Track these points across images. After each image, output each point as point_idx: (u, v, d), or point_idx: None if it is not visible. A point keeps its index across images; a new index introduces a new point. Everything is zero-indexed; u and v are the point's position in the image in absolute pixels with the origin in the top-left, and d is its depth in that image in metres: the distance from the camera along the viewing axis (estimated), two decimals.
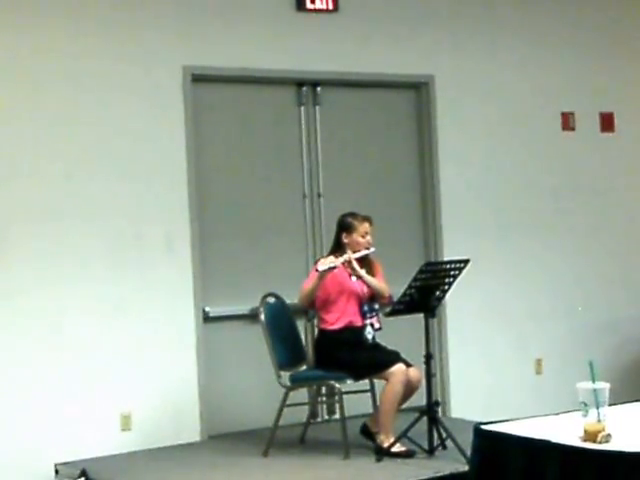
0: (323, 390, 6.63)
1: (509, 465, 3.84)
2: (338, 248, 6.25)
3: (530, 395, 7.63)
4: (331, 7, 7.18)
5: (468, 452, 4.43)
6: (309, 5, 7.11)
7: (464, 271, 6.08)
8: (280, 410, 6.19)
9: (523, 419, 4.14)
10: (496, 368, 7.65)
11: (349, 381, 6.12)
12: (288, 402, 6.22)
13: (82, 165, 6.45)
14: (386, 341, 6.23)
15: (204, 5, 6.85)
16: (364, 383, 6.33)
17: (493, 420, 4.14)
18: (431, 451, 5.96)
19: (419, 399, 6.15)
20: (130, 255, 6.56)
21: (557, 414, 4.20)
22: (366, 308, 6.20)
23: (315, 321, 6.42)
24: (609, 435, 3.66)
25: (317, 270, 6.09)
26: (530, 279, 7.86)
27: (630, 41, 8.32)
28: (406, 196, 7.60)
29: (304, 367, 6.38)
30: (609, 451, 3.57)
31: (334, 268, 6.07)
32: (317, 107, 7.30)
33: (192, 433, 6.68)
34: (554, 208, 8.00)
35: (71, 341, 6.35)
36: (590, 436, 3.67)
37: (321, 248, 7.07)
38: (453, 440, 5.82)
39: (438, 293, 6.06)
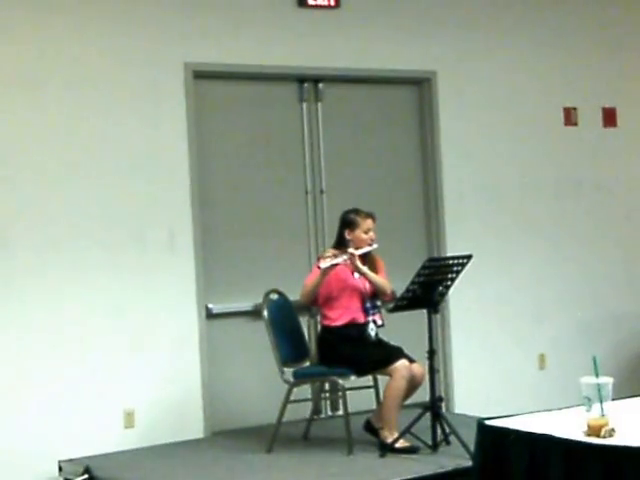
0: (326, 386, 6.64)
1: (513, 460, 3.84)
2: (341, 244, 6.24)
3: (533, 390, 7.63)
4: (332, 3, 7.18)
5: (472, 447, 4.43)
6: (311, 1, 7.11)
7: (467, 267, 6.08)
8: (283, 406, 6.19)
9: (526, 414, 4.15)
10: (499, 363, 7.65)
11: (352, 377, 6.11)
12: (291, 398, 6.22)
13: (83, 163, 6.44)
14: (389, 337, 6.23)
15: (206, 2, 6.85)
16: (367, 379, 6.33)
17: (496, 415, 4.14)
18: (435, 447, 5.96)
19: (422, 395, 6.15)
20: (133, 252, 6.55)
21: (560, 409, 4.21)
22: (368, 305, 6.19)
23: (318, 317, 6.42)
24: (612, 430, 3.66)
25: (319, 267, 6.09)
26: (533, 274, 7.86)
27: (632, 36, 8.31)
28: (409, 192, 7.60)
29: (307, 363, 6.38)
30: (612, 446, 3.58)
31: (336, 265, 6.07)
32: (319, 103, 7.29)
33: (195, 430, 6.68)
34: (557, 203, 8.00)
35: (74, 338, 6.35)
36: (593, 431, 3.67)
37: (324, 244, 7.06)
38: (457, 436, 5.82)
39: (441, 289, 6.06)
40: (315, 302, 6.25)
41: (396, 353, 6.06)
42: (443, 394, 7.09)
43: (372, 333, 6.16)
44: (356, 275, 6.19)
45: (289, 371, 6.25)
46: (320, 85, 7.29)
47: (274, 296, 6.46)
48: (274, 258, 7.06)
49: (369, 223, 6.21)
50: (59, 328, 6.31)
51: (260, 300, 6.40)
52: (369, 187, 7.35)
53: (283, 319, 6.40)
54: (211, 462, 6.11)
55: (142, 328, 6.55)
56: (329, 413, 7.08)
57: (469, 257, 6.06)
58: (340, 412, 6.44)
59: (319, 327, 6.40)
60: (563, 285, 7.97)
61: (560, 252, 7.98)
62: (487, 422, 4.04)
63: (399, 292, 6.08)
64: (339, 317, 6.17)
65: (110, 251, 6.49)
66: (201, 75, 6.81)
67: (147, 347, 6.56)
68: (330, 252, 6.15)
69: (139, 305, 6.56)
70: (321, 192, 7.28)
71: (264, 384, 6.73)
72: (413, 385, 6.05)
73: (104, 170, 6.50)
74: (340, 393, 6.17)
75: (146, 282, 6.59)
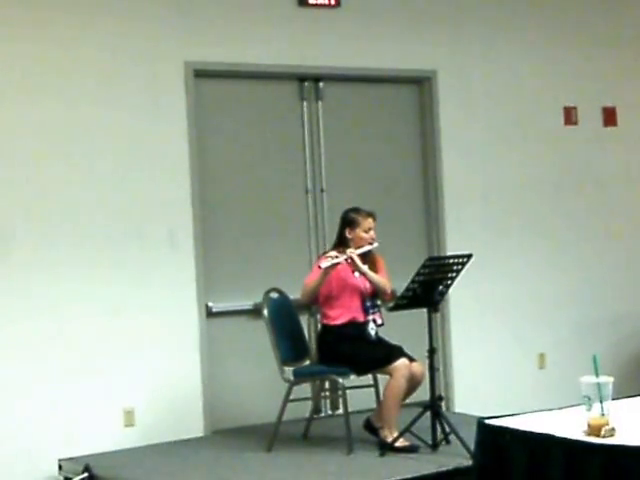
0: (326, 385, 6.64)
1: (513, 460, 3.84)
2: (341, 243, 6.24)
3: (533, 389, 7.63)
4: (333, 2, 7.18)
5: (472, 447, 4.43)
6: (311, 0, 7.11)
7: (467, 266, 6.08)
8: (283, 405, 6.19)
9: (526, 413, 4.14)
10: (499, 363, 7.66)
11: (352, 376, 6.11)
12: (291, 397, 6.22)
13: (83, 162, 6.44)
14: (389, 336, 6.23)
15: (206, 1, 6.84)
16: (367, 378, 6.33)
17: (496, 415, 4.14)
18: (435, 446, 5.96)
19: (422, 394, 6.15)
20: (133, 251, 6.55)
21: (560, 408, 4.20)
22: (368, 304, 6.19)
23: (318, 316, 6.42)
24: (613, 429, 3.66)
25: (320, 266, 6.09)
26: (533, 273, 7.86)
27: (633, 35, 8.31)
28: (409, 191, 7.60)
29: (307, 362, 6.38)
30: (613, 445, 3.57)
31: (337, 264, 6.07)
32: (319, 102, 7.29)
33: (195, 428, 6.68)
34: (557, 202, 8.00)
35: (74, 337, 6.35)
36: (594, 430, 3.67)
37: (324, 243, 7.07)
38: (457, 435, 5.82)
39: (441, 288, 6.06)
40: (315, 301, 6.25)
41: (396, 352, 6.06)
42: (443, 393, 7.09)
43: (372, 332, 6.16)
44: (356, 274, 6.19)
45: (289, 370, 6.25)
46: (320, 84, 7.29)
47: (274, 295, 6.46)
48: (274, 257, 7.06)
49: (370, 222, 6.21)
50: (58, 326, 6.30)
51: (260, 299, 6.40)
52: (369, 186, 7.34)
53: (283, 318, 6.39)
54: (211, 461, 6.11)
55: (142, 326, 6.55)
56: (329, 412, 7.08)
57: (469, 256, 6.06)
58: (340, 411, 6.44)
59: (319, 326, 6.40)
60: (563, 284, 7.96)
61: (560, 252, 7.98)
62: (487, 421, 4.03)
63: (399, 291, 6.08)
64: (339, 316, 6.17)
65: (110, 249, 6.49)
66: (201, 74, 6.80)
67: (147, 345, 6.56)
68: (332, 254, 6.14)
69: (139, 303, 6.55)
70: (321, 191, 7.28)
71: (264, 383, 6.73)
72: (413, 384, 6.05)
73: (104, 168, 6.49)
74: (340, 392, 6.17)
75: (146, 280, 6.59)
